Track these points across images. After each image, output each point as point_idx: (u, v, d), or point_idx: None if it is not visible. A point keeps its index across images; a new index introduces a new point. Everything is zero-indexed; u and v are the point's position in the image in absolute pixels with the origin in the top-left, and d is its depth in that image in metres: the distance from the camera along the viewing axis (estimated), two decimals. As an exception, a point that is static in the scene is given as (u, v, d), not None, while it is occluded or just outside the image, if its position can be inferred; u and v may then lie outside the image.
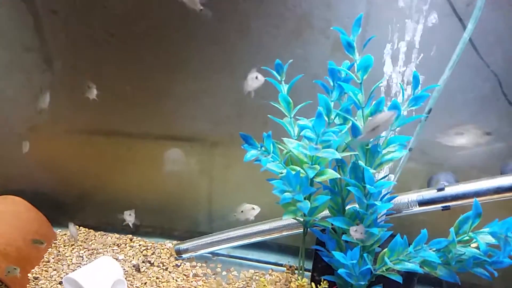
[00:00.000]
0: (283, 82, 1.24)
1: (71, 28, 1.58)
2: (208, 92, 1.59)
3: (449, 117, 1.38)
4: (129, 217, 1.60)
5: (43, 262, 1.66)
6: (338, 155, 1.03)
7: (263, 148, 1.12)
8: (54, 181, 1.85)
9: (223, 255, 1.73)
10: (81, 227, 1.86)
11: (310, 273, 1.40)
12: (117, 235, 1.81)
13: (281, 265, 1.68)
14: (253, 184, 1.62)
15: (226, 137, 1.63)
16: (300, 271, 1.32)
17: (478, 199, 1.21)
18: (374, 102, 1.08)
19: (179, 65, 1.57)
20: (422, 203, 1.27)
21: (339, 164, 1.17)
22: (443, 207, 1.26)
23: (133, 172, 1.77)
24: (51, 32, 1.61)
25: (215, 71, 1.55)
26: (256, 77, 1.26)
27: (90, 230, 1.85)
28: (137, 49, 1.58)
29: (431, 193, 1.27)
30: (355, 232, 1.07)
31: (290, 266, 1.67)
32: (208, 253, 1.70)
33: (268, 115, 1.22)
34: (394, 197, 1.24)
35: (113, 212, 1.79)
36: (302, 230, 1.28)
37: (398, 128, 1.13)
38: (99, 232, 1.84)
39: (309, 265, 1.41)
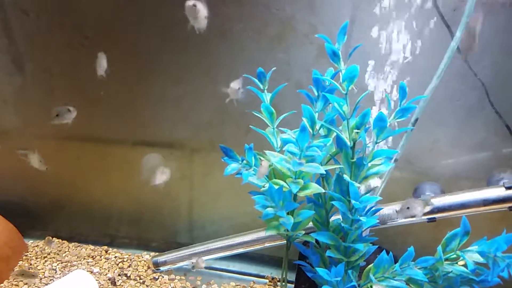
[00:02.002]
0: (265, 91, 1.19)
1: (43, 30, 1.50)
2: (188, 97, 1.53)
3: (435, 126, 1.36)
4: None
5: (13, 275, 1.57)
6: (322, 170, 0.99)
7: (244, 161, 1.07)
8: (25, 189, 1.77)
9: (203, 266, 1.68)
10: (54, 238, 1.78)
11: (293, 286, 1.36)
12: (92, 247, 1.74)
13: (263, 277, 1.64)
14: (235, 193, 1.57)
15: (206, 144, 1.58)
16: (283, 283, 1.28)
17: (464, 211, 1.20)
18: (360, 114, 1.04)
19: (159, 68, 1.51)
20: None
21: (323, 176, 1.13)
22: (428, 219, 1.23)
23: (109, 180, 1.70)
24: (21, 34, 1.53)
25: (196, 76, 1.49)
26: (238, 88, 1.19)
27: (63, 241, 1.77)
28: (113, 52, 1.51)
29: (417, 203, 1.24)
30: None
31: (273, 278, 1.63)
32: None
33: (250, 126, 1.17)
34: (379, 209, 1.20)
35: (88, 222, 1.73)
36: (285, 243, 1.23)
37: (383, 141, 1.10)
38: (73, 243, 1.76)
39: (292, 277, 1.37)
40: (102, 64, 1.39)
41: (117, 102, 1.58)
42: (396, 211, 1.23)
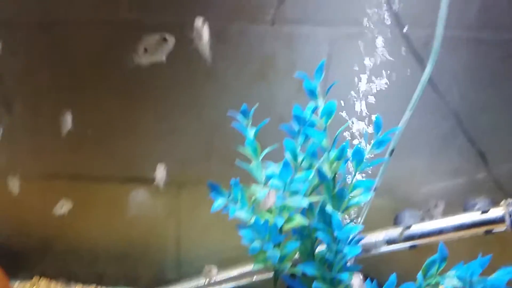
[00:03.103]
0: (249, 126, 1.24)
1: (32, 70, 1.54)
2: (175, 133, 1.57)
3: (412, 155, 1.42)
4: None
5: (-2, 319, 1.55)
6: (305, 203, 1.03)
7: (231, 196, 1.10)
8: (11, 230, 1.75)
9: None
10: (41, 278, 1.76)
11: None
12: (81, 285, 1.72)
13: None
14: (222, 227, 1.59)
15: (193, 178, 1.61)
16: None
17: (443, 237, 1.24)
18: (338, 148, 1.09)
19: (145, 105, 1.56)
20: (390, 242, 1.28)
21: (307, 207, 1.17)
22: (410, 246, 1.27)
23: (96, 217, 1.70)
24: (9, 71, 1.56)
25: (182, 112, 1.54)
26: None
27: (51, 281, 1.75)
28: (101, 90, 1.55)
29: (398, 232, 1.28)
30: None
31: (262, 310, 1.63)
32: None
33: (236, 160, 1.21)
34: (362, 238, 1.24)
35: (76, 261, 1.72)
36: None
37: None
38: (61, 283, 1.74)
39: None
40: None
41: (104, 139, 1.60)
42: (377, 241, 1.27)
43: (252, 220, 1.08)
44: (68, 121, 1.45)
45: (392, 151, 1.25)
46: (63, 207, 1.58)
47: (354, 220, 1.23)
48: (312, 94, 1.10)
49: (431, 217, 1.28)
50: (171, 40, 1.31)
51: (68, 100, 1.55)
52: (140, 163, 1.63)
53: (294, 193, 1.05)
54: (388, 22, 1.37)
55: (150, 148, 1.60)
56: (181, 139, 1.57)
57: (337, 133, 1.09)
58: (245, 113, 1.23)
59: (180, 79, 1.50)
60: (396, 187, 1.46)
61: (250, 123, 1.24)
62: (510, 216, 1.15)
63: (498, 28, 1.37)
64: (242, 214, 1.10)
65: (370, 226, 1.32)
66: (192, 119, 1.54)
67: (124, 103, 1.56)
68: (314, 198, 1.11)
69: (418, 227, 1.27)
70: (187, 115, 1.54)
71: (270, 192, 1.05)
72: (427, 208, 1.30)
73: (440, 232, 1.23)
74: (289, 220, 1.07)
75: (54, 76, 1.55)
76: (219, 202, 1.10)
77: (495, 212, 1.21)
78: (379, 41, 1.38)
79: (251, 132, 1.23)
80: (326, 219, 1.12)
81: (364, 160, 1.08)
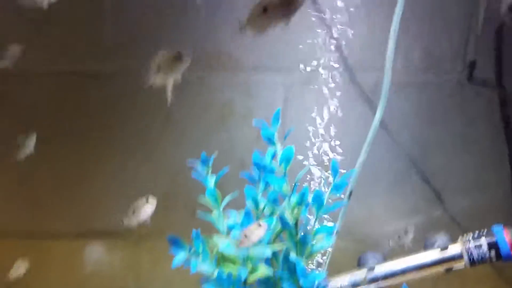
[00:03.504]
0: (209, 175, 1.23)
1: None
2: (132, 184, 1.53)
3: (369, 196, 1.45)
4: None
5: None
6: (269, 253, 1.02)
7: (192, 250, 1.07)
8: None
9: None
10: None
11: None
12: None
13: None
14: (185, 280, 1.54)
15: (153, 230, 1.55)
16: None
17: (405, 277, 1.25)
18: (298, 193, 1.10)
19: (100, 157, 1.52)
20: (355, 285, 1.27)
21: (271, 256, 1.15)
22: None
23: (48, 277, 1.60)
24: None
25: (140, 163, 1.52)
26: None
27: None
28: (53, 143, 1.50)
29: (362, 274, 1.28)
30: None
31: None
32: None
33: (197, 210, 1.18)
34: (326, 285, 1.23)
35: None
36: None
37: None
38: None
39: None
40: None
41: (58, 193, 1.54)
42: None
43: (215, 273, 1.04)
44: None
45: (351, 193, 1.27)
46: (19, 268, 1.47)
47: (318, 267, 1.22)
48: (270, 141, 1.12)
49: (402, 246, 1.29)
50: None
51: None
52: (97, 216, 1.57)
53: (257, 242, 1.03)
54: (340, 68, 1.44)
55: (108, 200, 1.55)
56: (140, 190, 1.53)
57: (297, 178, 1.10)
58: (204, 161, 1.22)
59: (139, 127, 1.49)
60: (357, 229, 1.48)
61: (210, 171, 1.23)
62: (468, 253, 1.18)
63: (440, 71, 1.47)
64: (204, 267, 1.06)
65: (334, 269, 1.32)
66: (151, 169, 1.51)
67: (80, 153, 1.52)
68: (278, 246, 1.09)
69: (381, 269, 1.27)
70: (145, 165, 1.51)
71: (256, 225, 0.94)
72: (398, 236, 1.31)
73: (402, 272, 1.24)
74: (253, 271, 1.05)
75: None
76: (180, 257, 1.06)
77: (454, 249, 1.24)
78: (332, 86, 1.44)
79: (211, 181, 1.22)
80: (291, 267, 1.10)
81: (324, 204, 1.09)
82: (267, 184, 1.17)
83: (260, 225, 0.93)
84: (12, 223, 1.53)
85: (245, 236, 0.94)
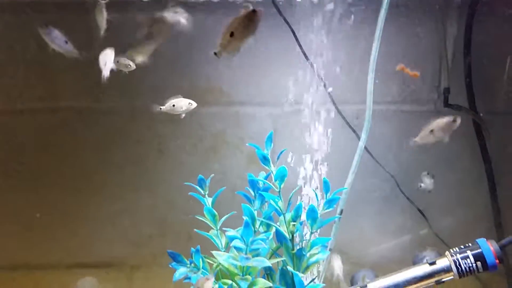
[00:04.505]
0: (206, 195, 1.28)
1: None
2: (126, 212, 1.55)
3: (359, 216, 1.51)
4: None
5: None
6: (268, 263, 1.05)
7: (192, 265, 1.10)
8: None
9: None
10: None
11: None
12: None
13: None
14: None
15: (148, 258, 1.56)
16: None
17: (398, 291, 1.28)
18: (293, 208, 1.15)
19: (94, 188, 1.54)
20: (350, 303, 1.30)
21: (267, 272, 1.18)
22: (369, 304, 1.29)
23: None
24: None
25: (134, 191, 1.55)
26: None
27: None
28: (48, 176, 1.53)
29: (356, 293, 1.31)
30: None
31: None
32: None
33: (195, 229, 1.22)
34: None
35: None
36: None
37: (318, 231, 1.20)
38: None
39: None
40: None
41: (51, 225, 1.54)
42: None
43: (215, 288, 1.07)
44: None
45: (341, 211, 1.33)
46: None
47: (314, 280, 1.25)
48: (265, 160, 1.18)
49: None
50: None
51: (16, 186, 1.51)
52: (90, 248, 1.56)
53: (256, 254, 1.07)
54: (324, 101, 1.53)
55: (100, 231, 1.56)
56: (134, 218, 1.55)
57: (291, 195, 1.16)
58: (201, 183, 1.27)
59: (133, 157, 1.53)
60: (348, 249, 1.52)
61: (207, 193, 1.28)
62: (456, 263, 1.23)
63: (416, 102, 1.58)
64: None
65: (329, 289, 1.34)
66: (145, 197, 1.54)
67: (74, 184, 1.54)
68: (275, 260, 1.13)
69: (374, 285, 1.30)
70: (139, 193, 1.54)
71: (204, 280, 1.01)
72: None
73: (396, 287, 1.27)
74: (252, 284, 1.08)
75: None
76: (180, 271, 1.09)
77: (442, 262, 1.28)
78: (317, 117, 1.53)
79: (208, 201, 1.26)
80: (288, 281, 1.13)
81: (318, 218, 1.14)
82: (262, 203, 1.23)
83: (207, 279, 1.00)
84: (4, 256, 1.51)
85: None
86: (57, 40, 1.22)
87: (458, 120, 1.16)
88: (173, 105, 1.25)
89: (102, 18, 1.20)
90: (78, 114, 1.52)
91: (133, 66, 1.21)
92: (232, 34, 0.96)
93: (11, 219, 1.51)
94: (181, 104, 1.26)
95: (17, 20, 1.39)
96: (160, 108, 1.26)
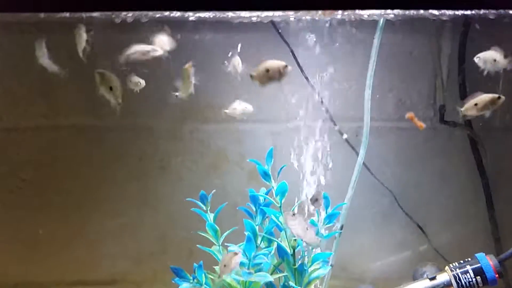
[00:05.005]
0: (208, 211, 1.29)
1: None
2: (128, 229, 1.56)
3: (358, 233, 1.52)
4: None
5: None
6: (270, 278, 1.06)
7: (195, 280, 1.11)
8: None
9: None
10: None
11: None
12: None
13: None
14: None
15: (149, 275, 1.56)
16: None
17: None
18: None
19: (96, 205, 1.55)
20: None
21: (269, 288, 1.19)
22: (371, 319, 1.30)
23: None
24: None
25: (136, 207, 1.55)
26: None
27: None
28: (51, 192, 1.54)
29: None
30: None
31: None
32: None
33: (197, 245, 1.23)
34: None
35: None
36: None
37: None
38: None
39: None
40: None
41: (54, 242, 1.55)
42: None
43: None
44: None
45: (342, 226, 1.35)
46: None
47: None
48: (266, 175, 1.20)
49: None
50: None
51: (18, 202, 1.52)
52: (92, 264, 1.56)
53: (258, 269, 1.08)
54: (323, 119, 1.55)
55: (102, 248, 1.56)
56: (135, 235, 1.56)
57: (292, 209, 1.18)
58: (203, 199, 1.28)
59: (135, 174, 1.55)
60: (348, 265, 1.53)
61: (209, 208, 1.29)
62: (456, 278, 1.24)
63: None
64: (207, 298, 1.09)
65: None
66: (147, 214, 1.55)
67: (76, 201, 1.55)
68: (277, 275, 1.14)
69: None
70: (141, 209, 1.55)
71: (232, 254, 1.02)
72: None
73: (397, 302, 1.28)
74: (255, 298, 1.08)
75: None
76: (183, 287, 1.09)
77: (442, 277, 1.29)
78: (316, 134, 1.55)
79: (210, 216, 1.28)
80: (290, 297, 1.14)
81: (319, 233, 1.16)
82: (263, 218, 1.24)
83: (236, 253, 1.01)
84: (6, 273, 1.51)
85: (224, 266, 1.01)
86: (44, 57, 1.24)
87: (502, 98, 1.20)
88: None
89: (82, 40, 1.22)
90: (81, 132, 1.54)
91: (143, 84, 1.26)
92: (268, 70, 1.11)
93: (13, 235, 1.51)
94: (240, 107, 1.37)
95: (21, 38, 1.42)
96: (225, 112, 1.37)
